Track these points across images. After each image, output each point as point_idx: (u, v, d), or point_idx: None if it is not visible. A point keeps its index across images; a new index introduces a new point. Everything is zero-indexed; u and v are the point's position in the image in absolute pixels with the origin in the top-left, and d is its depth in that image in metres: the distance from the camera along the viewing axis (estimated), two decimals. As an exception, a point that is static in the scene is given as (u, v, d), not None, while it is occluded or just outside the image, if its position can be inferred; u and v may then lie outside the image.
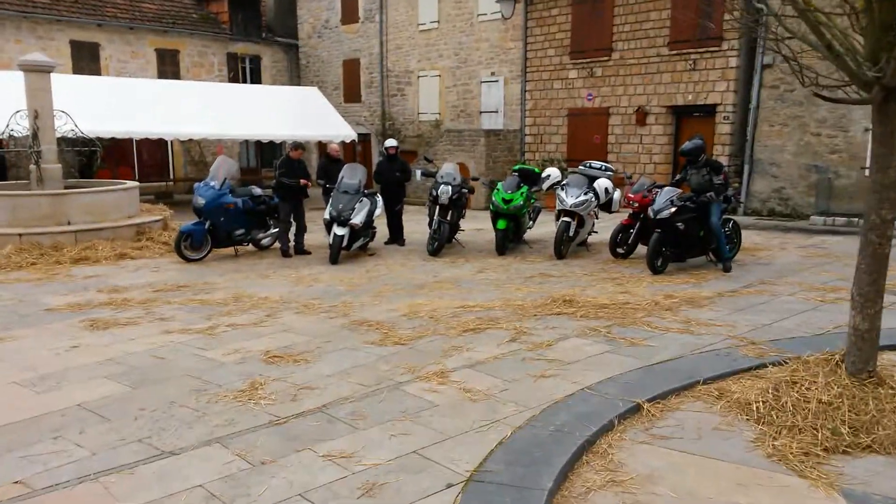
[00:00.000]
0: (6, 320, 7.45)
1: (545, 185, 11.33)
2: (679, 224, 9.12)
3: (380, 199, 11.90)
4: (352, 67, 24.98)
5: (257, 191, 11.60)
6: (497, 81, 20.62)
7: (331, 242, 10.62)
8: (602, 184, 10.92)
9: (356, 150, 22.98)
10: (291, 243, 11.41)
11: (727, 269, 9.46)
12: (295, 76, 27.21)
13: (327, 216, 10.66)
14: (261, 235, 11.76)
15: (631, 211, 10.50)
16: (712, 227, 9.31)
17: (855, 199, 14.29)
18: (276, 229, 12.04)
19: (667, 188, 9.50)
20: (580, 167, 11.75)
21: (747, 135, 15.86)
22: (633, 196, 10.28)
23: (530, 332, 6.67)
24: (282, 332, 6.84)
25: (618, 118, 18.11)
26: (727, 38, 15.83)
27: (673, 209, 9.06)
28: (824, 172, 14.65)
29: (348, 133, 20.71)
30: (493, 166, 19.50)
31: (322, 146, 25.28)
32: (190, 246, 10.89)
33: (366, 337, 6.62)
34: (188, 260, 10.78)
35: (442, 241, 11.07)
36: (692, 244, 9.47)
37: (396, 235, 12.58)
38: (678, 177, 9.95)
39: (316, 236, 12.78)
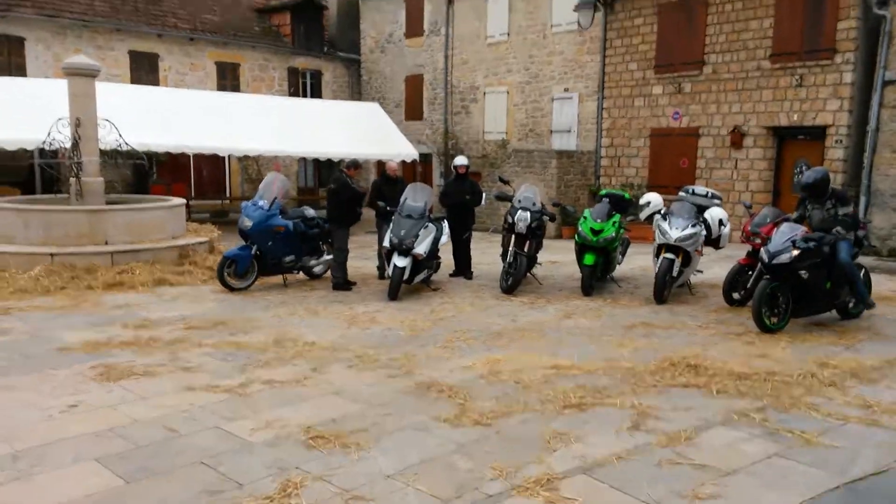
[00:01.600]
0: (7, 362, 6.21)
1: (644, 214, 9.65)
2: (802, 272, 7.24)
3: (446, 225, 10.43)
4: (415, 83, 23.78)
5: (310, 212, 10.27)
6: (571, 98, 19.05)
7: (390, 274, 9.18)
8: (716, 214, 9.16)
9: (417, 171, 21.68)
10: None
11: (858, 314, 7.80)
12: (356, 92, 26.21)
13: (387, 244, 9.22)
14: (313, 262, 10.41)
15: (751, 248, 8.74)
16: (843, 267, 7.38)
17: None
18: (331, 256, 10.68)
19: (786, 224, 7.62)
20: (681, 193, 10.02)
21: (864, 161, 13.84)
22: (755, 230, 8.51)
23: (655, 413, 5.01)
24: (330, 396, 5.36)
25: (709, 140, 16.28)
26: (840, 51, 13.91)
27: (795, 252, 7.17)
28: (963, 206, 12.52)
29: (409, 152, 19.43)
30: (566, 190, 17.88)
31: (381, 165, 24.23)
32: (234, 273, 9.61)
33: (436, 409, 5.08)
34: (231, 289, 9.50)
35: (518, 277, 9.49)
36: (816, 298, 7.49)
37: (463, 267, 11.07)
38: (796, 213, 8.03)
39: (364, 263, 11.41)
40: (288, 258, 9.86)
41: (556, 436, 4.57)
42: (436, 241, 9.72)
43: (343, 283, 9.89)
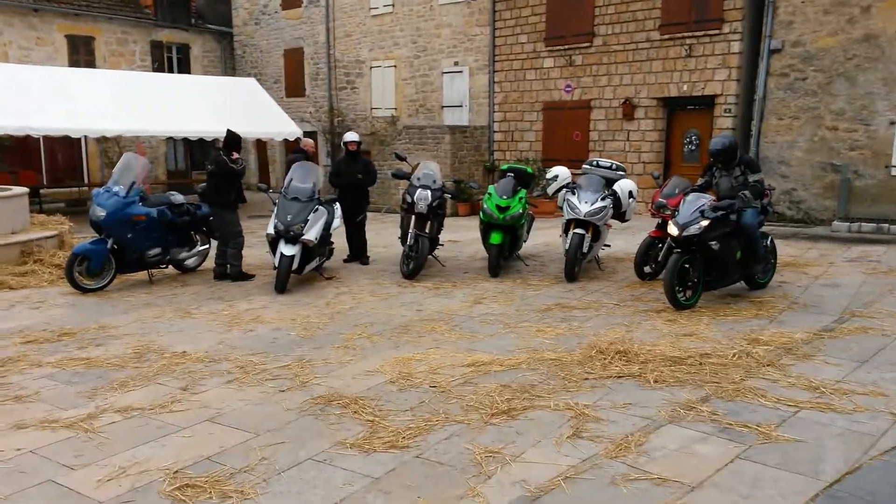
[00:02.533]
0: None
1: (551, 188, 9.06)
2: (713, 243, 6.88)
3: (338, 207, 9.43)
4: (294, 57, 22.28)
5: (178, 198, 8.95)
6: (461, 72, 18.33)
7: (276, 265, 8.09)
8: (626, 186, 8.70)
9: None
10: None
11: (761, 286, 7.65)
12: (230, 68, 24.31)
13: (271, 230, 8.13)
14: (183, 255, 9.11)
15: (660, 220, 8.35)
16: (746, 229, 7.06)
17: (879, 203, 12.56)
18: (205, 246, 9.43)
19: (693, 195, 7.22)
20: (584, 166, 9.52)
21: (752, 130, 14.01)
22: (665, 200, 8.11)
23: (594, 413, 4.35)
24: (204, 425, 4.33)
25: (601, 112, 16.06)
26: (728, 20, 13.96)
27: (704, 223, 6.79)
28: (843, 172, 12.88)
29: (292, 130, 18.06)
30: (460, 167, 17.21)
31: (261, 145, 22.61)
32: (86, 272, 8.19)
33: (341, 431, 4.18)
34: (84, 290, 8.09)
35: (420, 261, 8.67)
36: (728, 270, 7.15)
37: (359, 252, 10.12)
38: (701, 181, 7.67)
39: (253, 252, 10.25)
40: (153, 251, 8.54)
41: (487, 455, 3.79)
42: (327, 225, 8.73)
43: (241, 273, 8.76)
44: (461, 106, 18.44)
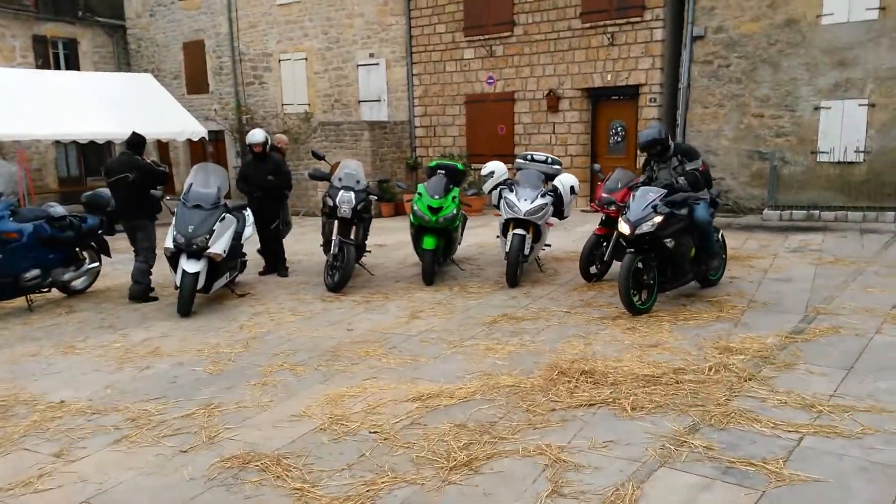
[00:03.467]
0: None
1: (487, 186, 8.33)
2: (667, 241, 6.35)
3: (249, 214, 8.40)
4: (195, 51, 20.71)
5: (58, 210, 7.67)
6: (377, 65, 17.40)
7: (178, 284, 7.00)
8: (567, 181, 8.05)
9: (207, 151, 18.83)
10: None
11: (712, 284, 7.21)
12: (124, 64, 22.42)
13: (170, 244, 7.03)
14: (69, 276, 7.84)
15: (604, 216, 7.77)
16: (701, 225, 6.59)
17: (807, 189, 12.55)
18: (95, 264, 8.19)
19: (643, 189, 6.63)
20: (518, 161, 8.84)
21: (678, 119, 13.79)
22: (608, 195, 7.53)
23: (572, 458, 3.62)
24: (81, 509, 3.33)
25: (525, 104, 15.52)
26: (649, 7, 13.66)
27: (658, 219, 6.25)
28: (771, 159, 12.81)
29: (195, 129, 16.68)
30: (381, 164, 16.32)
31: (163, 147, 20.91)
32: (-55, 302, 6.86)
33: (260, 505, 3.28)
34: (-58, 325, 6.75)
35: (347, 272, 7.75)
36: (683, 268, 6.64)
37: (276, 263, 9.09)
38: (643, 176, 7.11)
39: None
40: (30, 274, 7.26)
41: (453, 530, 2.99)
42: (238, 234, 7.69)
43: (145, 293, 7.63)
44: (379, 100, 17.51)
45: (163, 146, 20.61)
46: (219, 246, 7.05)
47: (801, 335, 5.53)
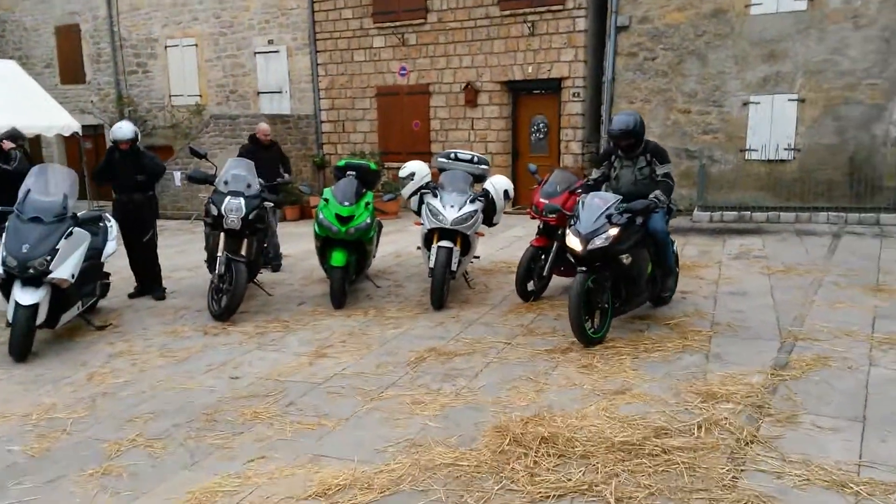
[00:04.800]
0: None
1: (407, 189, 7.10)
2: (624, 257, 5.35)
3: (112, 225, 6.84)
4: (69, 36, 18.35)
5: None
6: (277, 52, 15.81)
7: (10, 320, 5.40)
8: (500, 184, 6.93)
9: (83, 148, 16.61)
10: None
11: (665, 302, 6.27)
12: (-14, 49, 19.71)
13: (-1, 269, 5.43)
14: None
15: (541, 224, 6.71)
16: (658, 238, 5.70)
17: (736, 188, 12.03)
18: None
19: (594, 195, 5.58)
20: (440, 160, 7.64)
21: (602, 115, 13.02)
22: (549, 200, 6.47)
23: None
24: None
25: (441, 98, 14.38)
26: (572, -5, 12.80)
27: (614, 231, 5.24)
28: (698, 157, 12.23)
29: (67, 123, 14.52)
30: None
31: (34, 144, 18.45)
32: None
33: None
34: None
35: (237, 296, 6.32)
36: (640, 287, 5.62)
37: (149, 283, 7.53)
38: (596, 174, 6.10)
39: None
40: None
41: None
42: (95, 252, 6.14)
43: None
44: (281, 92, 15.92)
45: (34, 144, 18.15)
46: (64, 269, 5.49)
47: (786, 370, 4.62)
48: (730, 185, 12.06)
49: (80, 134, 15.11)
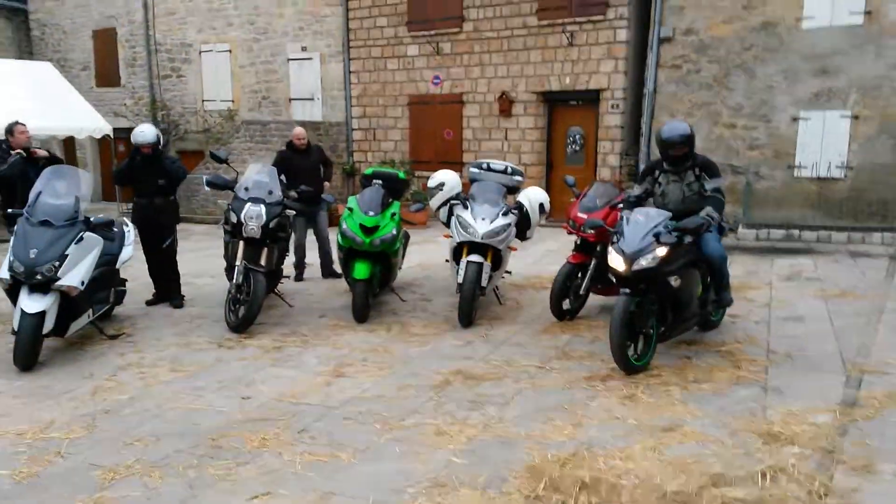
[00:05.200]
0: None
1: (436, 200, 6.73)
2: (672, 278, 4.90)
3: (130, 230, 6.59)
4: (106, 40, 18.44)
5: None
6: (311, 59, 15.63)
7: (16, 328, 5.13)
8: (535, 197, 6.51)
9: (116, 151, 16.65)
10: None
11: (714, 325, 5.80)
12: (26, 52, 19.90)
13: (5, 273, 5.16)
14: None
15: (578, 240, 6.27)
16: (715, 263, 5.26)
17: (783, 206, 11.43)
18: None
19: (640, 211, 5.12)
20: (472, 170, 7.25)
21: (642, 127, 12.54)
22: (588, 215, 6.04)
23: None
24: None
25: (475, 108, 14.03)
26: (613, 5, 12.37)
27: (661, 252, 4.77)
28: (744, 173, 11.66)
29: (99, 126, 14.49)
30: (313, 171, 14.50)
31: (68, 146, 18.56)
32: None
33: None
34: None
35: (254, 308, 5.99)
36: (689, 311, 5.17)
37: (168, 291, 7.26)
38: (638, 190, 5.62)
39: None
40: None
41: None
42: (109, 258, 5.87)
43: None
44: (313, 99, 15.73)
45: (68, 145, 18.26)
46: (74, 276, 5.21)
47: (856, 409, 4.12)
48: (777, 202, 11.46)
49: (112, 136, 15.07)
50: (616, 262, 4.84)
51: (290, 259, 7.55)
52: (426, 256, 9.57)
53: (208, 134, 16.76)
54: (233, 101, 16.63)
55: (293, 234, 7.74)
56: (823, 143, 11.05)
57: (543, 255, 9.65)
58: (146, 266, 7.26)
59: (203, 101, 17.08)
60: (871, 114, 10.72)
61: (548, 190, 12.81)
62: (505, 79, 13.60)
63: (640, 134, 12.62)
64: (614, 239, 4.99)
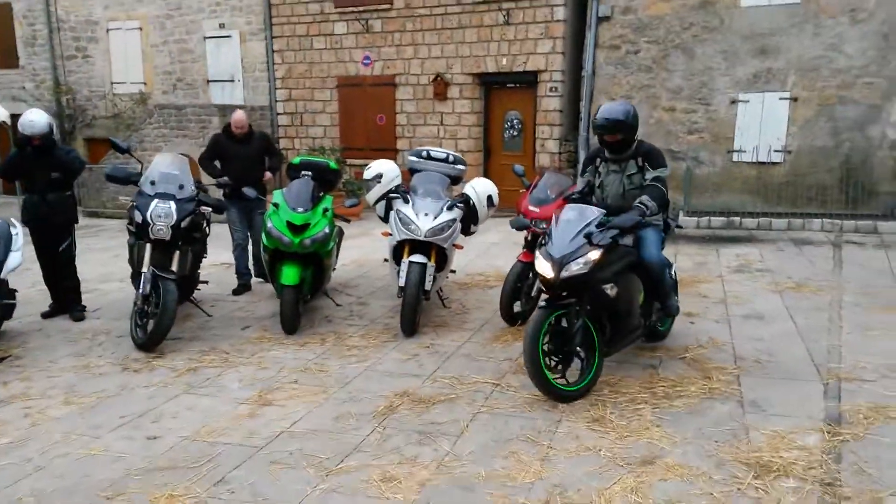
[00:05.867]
0: None
1: (373, 194, 6.05)
2: (607, 287, 4.31)
3: (18, 231, 5.69)
4: (0, 16, 16.78)
5: None
6: (229, 37, 14.54)
7: None
8: (483, 189, 5.89)
9: (14, 140, 15.11)
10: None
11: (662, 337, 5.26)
12: None
13: None
14: None
15: (529, 235, 5.76)
16: (651, 268, 4.59)
17: (721, 192, 11.28)
18: None
19: (570, 209, 4.49)
20: (410, 158, 6.62)
21: (581, 111, 12.15)
22: (540, 208, 5.53)
23: None
24: None
25: (408, 90, 13.34)
26: (550, -18, 11.90)
27: (594, 255, 4.18)
28: (684, 159, 11.45)
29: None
30: (235, 158, 13.52)
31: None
32: None
33: None
34: None
35: (164, 321, 5.20)
36: (631, 323, 4.57)
37: (66, 300, 6.36)
38: (581, 182, 5.10)
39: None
40: None
41: None
42: (-11, 268, 4.99)
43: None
44: (233, 80, 14.67)
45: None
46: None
47: (844, 427, 3.75)
48: (716, 188, 11.30)
49: (9, 123, 13.63)
50: (543, 268, 4.23)
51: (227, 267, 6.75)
52: (361, 252, 8.92)
53: (118, 120, 15.48)
54: (145, 84, 15.37)
55: (234, 234, 6.98)
56: (762, 127, 10.92)
57: (487, 249, 9.14)
58: (41, 273, 6.35)
59: (112, 83, 15.72)
60: (809, 95, 10.63)
61: (486, 178, 12.40)
62: (439, 59, 12.96)
63: (578, 118, 12.24)
64: (542, 241, 4.43)
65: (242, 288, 7.12)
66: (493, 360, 4.97)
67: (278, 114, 14.38)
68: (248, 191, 6.07)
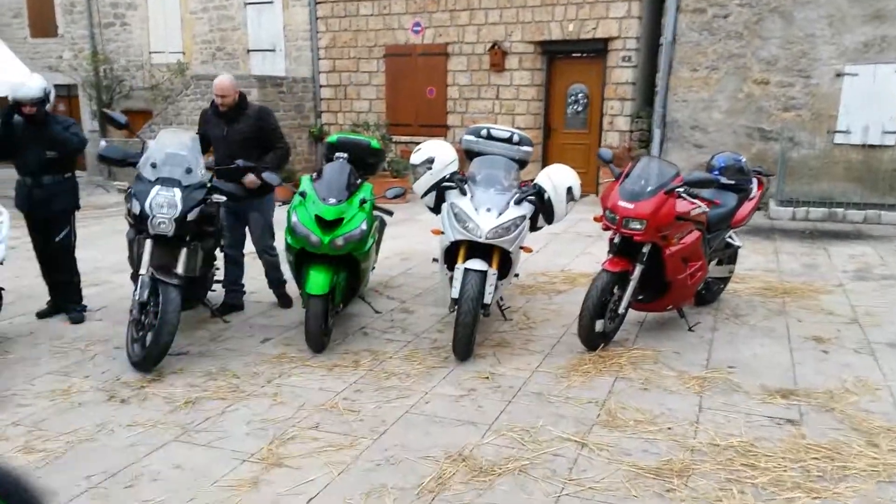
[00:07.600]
0: None
1: (422, 184, 4.93)
2: None
3: (3, 219, 4.78)
4: (39, -18, 16.16)
5: None
6: (271, 3, 13.56)
7: None
8: (562, 179, 4.66)
9: (57, 111, 14.50)
10: None
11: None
12: (-52, -4, 17.51)
13: None
14: None
15: (617, 240, 4.57)
16: None
17: (820, 179, 9.83)
18: None
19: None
20: (467, 137, 5.46)
21: (657, 84, 10.77)
22: (631, 206, 4.33)
23: None
24: None
25: (462, 60, 12.14)
26: (625, -62, 10.49)
27: None
28: (777, 140, 9.99)
29: (34, 83, 12.35)
30: (275, 134, 12.59)
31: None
32: None
33: None
34: None
35: (164, 335, 4.20)
36: None
37: (62, 300, 5.47)
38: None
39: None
40: None
41: None
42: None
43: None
44: (274, 50, 13.71)
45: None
46: None
47: None
48: (813, 174, 9.85)
49: (49, 96, 12.95)
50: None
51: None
52: (406, 243, 7.85)
53: (157, 91, 14.69)
54: (183, 53, 14.54)
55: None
56: (872, 104, 9.39)
57: (547, 243, 7.95)
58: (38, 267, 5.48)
59: (150, 52, 14.93)
60: (933, 69, 9.07)
61: (544, 160, 11.16)
62: (497, 25, 11.71)
63: (654, 92, 10.85)
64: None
65: (230, 308, 5.46)
66: (572, 403, 3.83)
67: (321, 86, 13.36)
68: (270, 176, 4.87)
